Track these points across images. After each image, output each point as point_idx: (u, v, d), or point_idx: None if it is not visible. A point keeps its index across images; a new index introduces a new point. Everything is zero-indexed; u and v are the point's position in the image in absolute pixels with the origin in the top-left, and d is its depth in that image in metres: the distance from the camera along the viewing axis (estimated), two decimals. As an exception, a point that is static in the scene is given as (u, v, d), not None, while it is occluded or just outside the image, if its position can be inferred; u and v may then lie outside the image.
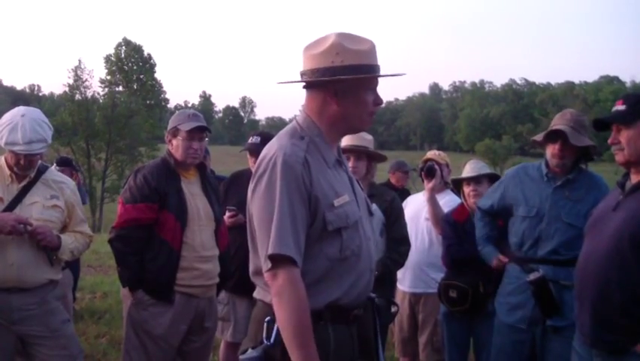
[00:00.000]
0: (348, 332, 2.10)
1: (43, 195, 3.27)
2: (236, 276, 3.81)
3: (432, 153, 4.84)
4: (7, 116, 3.22)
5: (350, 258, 2.08)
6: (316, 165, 2.07)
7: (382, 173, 6.02)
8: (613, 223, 2.45)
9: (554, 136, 3.33)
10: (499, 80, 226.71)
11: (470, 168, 4.24)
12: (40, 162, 3.34)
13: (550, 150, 3.35)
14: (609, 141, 2.51)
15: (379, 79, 2.15)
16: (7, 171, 3.24)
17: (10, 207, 3.16)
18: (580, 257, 2.61)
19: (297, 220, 1.97)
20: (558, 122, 3.36)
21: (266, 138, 4.03)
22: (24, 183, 3.24)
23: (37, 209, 3.22)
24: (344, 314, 2.08)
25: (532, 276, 3.23)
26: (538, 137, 3.45)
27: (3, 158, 3.28)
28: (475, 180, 4.15)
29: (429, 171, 4.47)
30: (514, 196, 3.46)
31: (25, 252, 3.13)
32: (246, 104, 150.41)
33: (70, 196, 3.40)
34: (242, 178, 4.18)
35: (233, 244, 3.83)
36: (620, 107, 2.50)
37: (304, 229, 2.00)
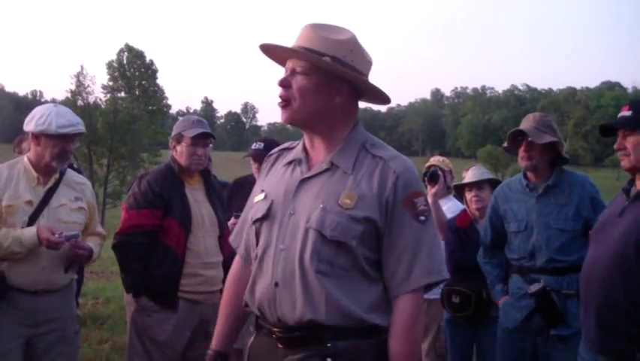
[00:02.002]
0: (281, 351, 1.84)
1: (68, 198, 3.23)
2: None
3: (435, 159, 4.83)
4: (41, 109, 3.18)
5: (256, 261, 1.93)
6: (279, 163, 2.05)
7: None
8: (618, 229, 2.45)
9: (520, 138, 3.36)
10: (500, 85, 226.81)
11: (472, 174, 4.24)
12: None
13: (519, 154, 3.38)
14: (615, 147, 2.53)
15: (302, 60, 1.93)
16: (34, 173, 3.17)
17: (39, 210, 3.12)
18: (585, 263, 2.61)
19: (246, 217, 2.07)
20: (522, 125, 3.40)
21: (269, 145, 4.04)
22: (49, 185, 3.19)
23: (65, 212, 3.20)
24: (261, 325, 1.93)
25: (533, 288, 3.20)
26: (506, 142, 3.48)
27: (26, 158, 3.21)
28: (476, 185, 4.15)
29: (432, 176, 4.47)
30: (504, 214, 3.46)
31: (55, 255, 3.10)
32: (248, 110, 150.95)
33: (91, 198, 3.40)
34: (246, 184, 4.18)
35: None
36: (626, 113, 2.52)
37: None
